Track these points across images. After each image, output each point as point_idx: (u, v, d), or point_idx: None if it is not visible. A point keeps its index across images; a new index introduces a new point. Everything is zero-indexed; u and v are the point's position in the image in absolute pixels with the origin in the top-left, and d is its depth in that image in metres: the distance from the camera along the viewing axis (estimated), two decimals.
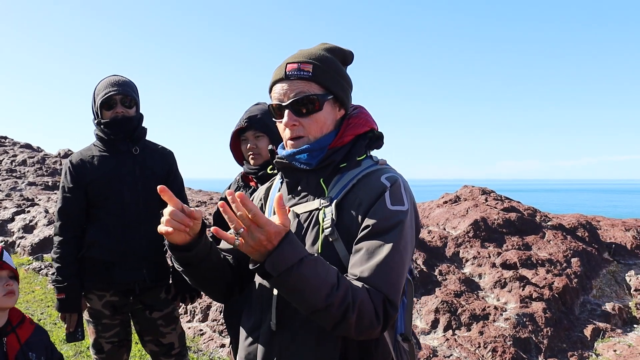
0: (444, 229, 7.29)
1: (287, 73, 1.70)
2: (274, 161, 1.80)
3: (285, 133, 1.75)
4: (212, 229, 1.44)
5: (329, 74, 1.72)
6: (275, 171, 1.90)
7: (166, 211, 1.51)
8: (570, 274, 6.14)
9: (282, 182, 1.88)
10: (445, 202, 8.18)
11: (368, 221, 1.60)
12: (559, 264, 6.33)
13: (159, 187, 1.49)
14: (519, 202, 8.23)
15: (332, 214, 1.65)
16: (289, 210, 1.74)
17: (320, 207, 1.68)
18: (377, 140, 1.83)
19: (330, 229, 1.63)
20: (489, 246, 6.70)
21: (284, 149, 1.81)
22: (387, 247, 1.56)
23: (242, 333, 1.84)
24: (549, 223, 7.38)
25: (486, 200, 8.05)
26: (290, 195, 1.80)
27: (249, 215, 1.40)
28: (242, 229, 1.42)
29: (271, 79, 1.77)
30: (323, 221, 1.65)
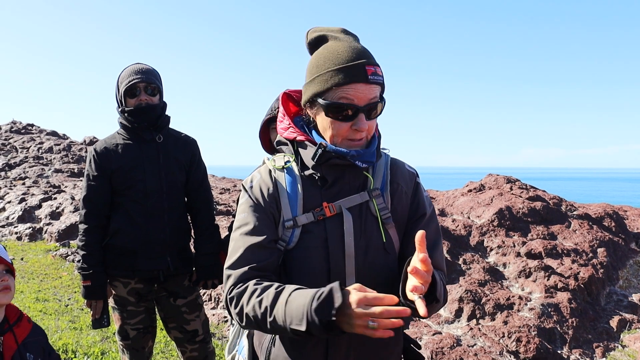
0: (469, 218, 7.24)
1: (370, 77, 1.64)
2: (330, 159, 1.72)
3: (350, 134, 1.70)
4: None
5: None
6: (283, 164, 1.82)
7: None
8: (596, 264, 6.06)
9: (308, 178, 1.79)
10: (470, 191, 8.12)
11: (423, 209, 1.83)
12: (585, 254, 6.26)
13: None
14: (544, 191, 8.14)
15: (387, 204, 1.77)
16: (335, 207, 1.73)
17: (370, 199, 1.75)
18: None
19: (389, 217, 1.76)
20: (514, 235, 6.64)
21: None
22: (439, 232, 1.85)
23: (285, 342, 1.78)
24: (574, 212, 7.29)
25: (511, 189, 7.97)
26: (323, 190, 1.76)
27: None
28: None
29: (341, 75, 1.65)
30: (379, 211, 1.75)
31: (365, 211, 1.74)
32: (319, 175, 1.76)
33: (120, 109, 3.18)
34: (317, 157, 1.72)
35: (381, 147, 1.85)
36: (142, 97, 3.12)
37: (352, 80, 1.64)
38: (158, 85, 3.18)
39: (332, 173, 1.76)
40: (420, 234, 1.44)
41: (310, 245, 1.70)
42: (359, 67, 1.64)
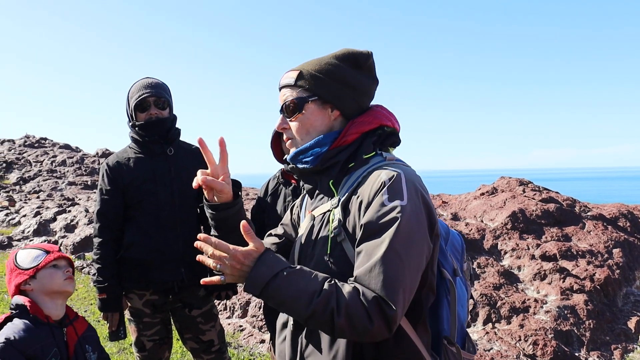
0: (482, 221, 7.22)
1: (280, 83, 1.86)
2: (289, 167, 1.88)
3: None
4: (201, 281, 1.68)
5: (315, 78, 1.77)
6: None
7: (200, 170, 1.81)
8: (612, 265, 6.02)
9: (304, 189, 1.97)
10: (482, 194, 8.09)
11: (364, 219, 1.59)
12: (600, 255, 6.21)
13: (198, 139, 1.77)
14: (557, 192, 8.10)
15: (339, 215, 1.69)
16: (309, 213, 1.85)
17: (331, 209, 1.74)
18: (389, 137, 1.81)
19: (337, 229, 1.67)
20: (528, 238, 6.60)
21: None
22: (382, 246, 1.53)
23: (277, 330, 1.92)
24: (588, 213, 7.24)
25: (524, 191, 7.94)
26: (311, 200, 1.90)
27: (215, 250, 1.61)
28: (218, 265, 1.61)
29: None
30: (332, 222, 1.70)
31: (326, 221, 1.75)
32: (304, 185, 1.92)
33: (131, 123, 3.22)
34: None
35: (384, 154, 1.77)
36: (152, 111, 3.16)
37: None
38: (167, 99, 3.22)
39: (308, 181, 1.87)
40: (242, 224, 1.62)
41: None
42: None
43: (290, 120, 1.81)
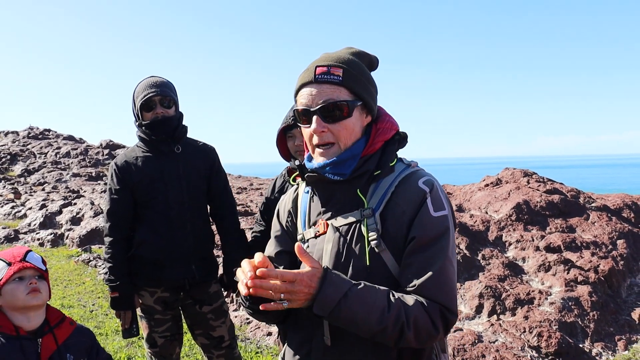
0: (486, 213, 7.25)
1: (317, 77, 1.64)
2: (305, 176, 1.75)
3: (313, 140, 1.70)
4: (261, 306, 1.48)
5: (359, 79, 1.67)
6: (297, 182, 1.90)
7: (251, 269, 1.48)
8: (616, 256, 6.05)
9: (311, 194, 1.84)
10: (487, 185, 8.11)
11: (414, 231, 1.60)
12: (605, 246, 6.24)
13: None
14: (561, 183, 8.12)
15: (377, 225, 1.62)
16: (327, 225, 1.72)
17: (361, 219, 1.65)
18: (402, 141, 1.78)
19: (376, 240, 1.61)
20: (532, 229, 6.63)
21: (310, 160, 1.77)
22: (439, 258, 1.58)
23: (291, 346, 1.83)
24: (593, 204, 7.27)
25: (528, 182, 7.96)
26: (324, 209, 1.76)
27: (279, 283, 1.45)
28: (282, 295, 1.46)
29: (297, 82, 1.72)
30: (368, 233, 1.62)
31: (355, 231, 1.66)
32: (315, 194, 1.79)
33: (137, 123, 3.24)
34: (299, 173, 1.79)
35: (404, 159, 1.78)
36: (158, 110, 3.18)
37: (303, 84, 1.68)
38: (173, 97, 3.24)
39: (323, 189, 1.75)
40: (297, 247, 1.51)
41: None
42: (309, 71, 1.68)
43: (332, 124, 1.65)
